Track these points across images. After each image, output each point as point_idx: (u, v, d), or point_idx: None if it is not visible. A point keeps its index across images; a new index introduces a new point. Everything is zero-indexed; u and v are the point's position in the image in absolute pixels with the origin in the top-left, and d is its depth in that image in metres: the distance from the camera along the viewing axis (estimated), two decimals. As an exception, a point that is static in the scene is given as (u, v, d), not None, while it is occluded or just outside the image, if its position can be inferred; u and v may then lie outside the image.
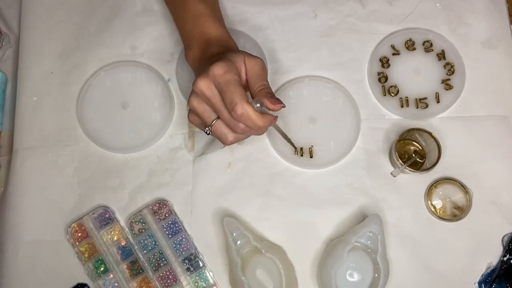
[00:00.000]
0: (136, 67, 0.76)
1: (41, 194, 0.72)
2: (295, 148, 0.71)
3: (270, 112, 0.58)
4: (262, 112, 0.56)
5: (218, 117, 0.59)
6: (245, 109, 0.55)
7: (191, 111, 0.61)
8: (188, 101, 0.59)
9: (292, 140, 0.68)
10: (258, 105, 0.56)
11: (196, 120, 0.61)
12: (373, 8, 0.77)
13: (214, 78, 0.56)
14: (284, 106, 0.58)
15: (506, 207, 0.69)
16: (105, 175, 0.73)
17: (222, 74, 0.56)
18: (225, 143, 0.60)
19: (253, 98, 0.58)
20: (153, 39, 0.77)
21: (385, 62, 0.75)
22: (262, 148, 0.73)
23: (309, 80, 0.74)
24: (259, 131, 0.59)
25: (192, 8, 0.66)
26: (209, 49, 0.64)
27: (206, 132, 0.60)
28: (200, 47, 0.65)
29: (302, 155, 0.72)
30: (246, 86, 0.60)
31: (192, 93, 0.59)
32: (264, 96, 0.57)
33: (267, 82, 0.59)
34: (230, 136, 0.59)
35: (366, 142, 0.72)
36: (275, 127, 0.64)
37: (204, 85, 0.57)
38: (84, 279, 0.70)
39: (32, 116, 0.75)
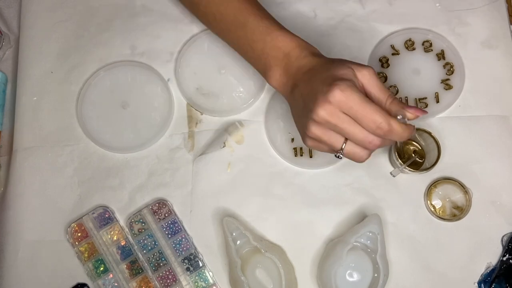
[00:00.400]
0: (136, 67, 0.76)
1: (41, 194, 0.72)
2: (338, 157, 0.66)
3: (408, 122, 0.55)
4: (403, 123, 0.54)
5: (346, 139, 0.55)
6: (392, 125, 0.52)
7: (311, 139, 0.56)
8: (308, 130, 0.55)
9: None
10: (400, 117, 0.53)
11: (321, 147, 0.57)
12: (373, 8, 0.77)
13: (339, 104, 0.51)
14: (426, 112, 0.56)
15: (505, 207, 0.69)
16: (105, 175, 0.73)
17: (348, 96, 0.51)
18: (360, 161, 0.56)
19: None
20: (153, 39, 0.77)
21: (384, 62, 0.75)
22: (262, 148, 0.73)
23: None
24: (399, 140, 0.57)
25: (256, 27, 0.61)
26: (294, 63, 0.59)
27: (338, 157, 0.56)
28: (281, 64, 0.60)
29: (302, 155, 0.72)
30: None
31: (312, 122, 0.54)
32: (400, 107, 0.54)
33: (387, 89, 0.55)
34: (365, 154, 0.55)
35: (365, 142, 0.72)
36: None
37: (327, 114, 0.52)
38: (84, 279, 0.70)
39: (32, 116, 0.75)
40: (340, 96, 0.51)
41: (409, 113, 0.54)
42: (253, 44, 0.62)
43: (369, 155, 0.56)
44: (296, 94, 0.58)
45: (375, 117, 0.51)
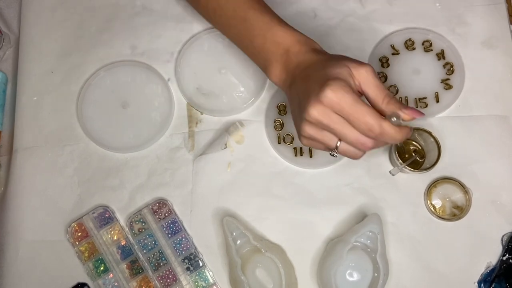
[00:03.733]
0: (136, 67, 0.76)
1: (41, 194, 0.72)
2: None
3: (405, 123, 0.54)
4: (398, 125, 0.53)
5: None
6: (383, 127, 0.51)
7: (306, 138, 0.56)
8: (301, 129, 0.55)
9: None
10: (395, 119, 0.52)
11: (316, 145, 0.57)
12: (372, 8, 0.77)
13: (331, 104, 0.51)
14: (423, 114, 0.54)
15: (505, 207, 0.69)
16: (105, 175, 0.73)
17: (341, 97, 0.50)
18: (355, 159, 0.56)
19: (379, 112, 0.53)
20: (153, 39, 0.77)
21: (384, 62, 0.75)
22: (262, 148, 0.73)
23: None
24: (393, 143, 0.56)
25: (256, 21, 0.61)
26: (294, 59, 0.58)
27: (333, 155, 0.56)
28: (280, 60, 0.59)
29: (302, 155, 0.72)
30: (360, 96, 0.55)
31: (305, 121, 0.53)
32: (397, 108, 0.53)
33: (386, 88, 0.54)
34: (359, 153, 0.55)
35: (365, 142, 0.72)
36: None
37: (319, 113, 0.51)
38: (84, 279, 0.70)
39: (32, 116, 0.75)
40: (332, 96, 0.50)
41: (404, 114, 0.52)
42: (254, 39, 0.61)
43: (364, 153, 0.55)
44: (293, 91, 0.57)
45: (366, 119, 0.51)
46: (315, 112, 0.51)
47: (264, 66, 0.62)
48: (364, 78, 0.53)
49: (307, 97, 0.53)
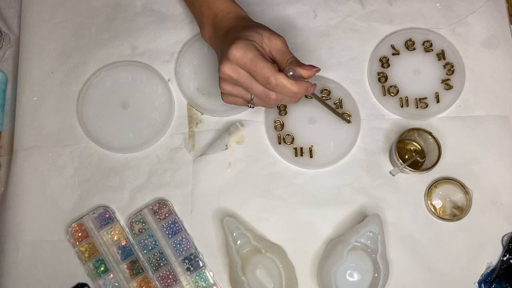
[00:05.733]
0: (136, 67, 0.76)
1: (41, 194, 0.72)
2: (348, 121, 0.72)
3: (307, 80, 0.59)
4: (296, 80, 0.57)
5: None
6: (279, 79, 0.56)
7: (225, 95, 0.62)
8: (220, 87, 0.61)
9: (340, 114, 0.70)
10: (291, 73, 0.57)
11: (235, 100, 0.62)
12: (373, 8, 0.77)
13: (236, 60, 0.57)
14: (319, 70, 0.59)
15: (506, 207, 0.69)
16: (105, 175, 0.73)
17: (243, 54, 0.56)
18: (270, 108, 0.63)
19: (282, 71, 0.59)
20: (153, 39, 0.77)
21: (385, 62, 0.75)
22: (262, 148, 0.73)
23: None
24: (295, 97, 0.59)
25: None
26: (221, 23, 0.64)
27: (250, 107, 0.62)
28: (211, 23, 0.66)
29: (302, 155, 0.72)
30: (271, 62, 0.60)
31: (220, 79, 0.60)
32: (296, 65, 0.58)
33: (293, 55, 0.59)
34: (270, 105, 0.61)
35: (366, 142, 0.72)
36: (317, 98, 0.65)
37: (228, 69, 0.58)
38: (84, 279, 0.70)
39: (32, 116, 0.75)
40: (236, 53, 0.56)
41: (300, 69, 0.57)
42: (195, 2, 0.68)
43: (274, 102, 0.60)
44: (218, 52, 0.64)
45: (263, 72, 0.56)
46: (225, 68, 0.58)
47: (200, 26, 0.69)
48: (274, 45, 0.59)
49: (221, 57, 0.59)
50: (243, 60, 0.57)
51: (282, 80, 0.56)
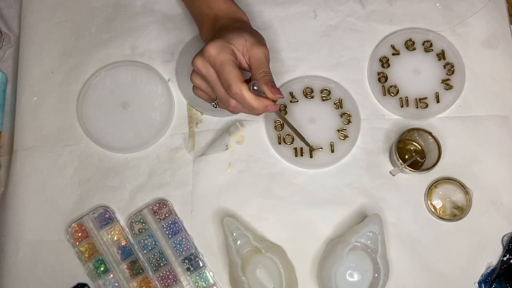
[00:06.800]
0: (136, 67, 0.76)
1: (41, 194, 0.72)
2: (310, 146, 0.71)
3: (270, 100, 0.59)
4: (258, 95, 0.58)
5: None
6: (239, 89, 0.57)
7: (195, 87, 0.63)
8: (190, 78, 0.62)
9: (305, 139, 0.69)
10: (255, 88, 0.57)
11: (202, 95, 0.63)
12: (373, 8, 0.77)
13: (209, 57, 0.58)
14: (282, 97, 0.59)
15: (506, 207, 0.69)
16: (105, 175, 0.73)
17: (216, 54, 0.57)
18: (232, 112, 0.62)
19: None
20: (153, 39, 0.77)
21: (385, 62, 0.75)
22: (262, 148, 0.73)
23: (309, 80, 0.74)
24: (253, 111, 0.60)
25: None
26: (218, 23, 0.65)
27: (213, 106, 0.63)
28: (210, 22, 0.66)
29: (302, 155, 0.72)
30: (248, 69, 0.61)
31: (192, 71, 0.61)
32: (265, 83, 0.58)
33: (269, 70, 0.60)
34: (232, 111, 0.61)
35: (366, 142, 0.72)
36: (282, 118, 0.65)
37: (200, 64, 0.59)
38: (84, 279, 0.70)
39: (32, 116, 0.75)
40: (210, 50, 0.57)
41: (266, 89, 0.57)
42: (194, 2, 0.68)
43: (235, 112, 0.61)
44: None
45: (228, 77, 0.57)
46: (197, 62, 0.58)
47: (199, 25, 0.69)
48: (255, 53, 0.59)
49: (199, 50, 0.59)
50: (214, 60, 0.57)
51: (242, 91, 0.57)
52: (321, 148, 0.72)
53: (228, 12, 0.65)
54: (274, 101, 0.59)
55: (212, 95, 0.62)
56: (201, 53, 0.58)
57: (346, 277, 0.64)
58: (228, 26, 0.63)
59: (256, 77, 0.59)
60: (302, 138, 0.69)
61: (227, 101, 0.59)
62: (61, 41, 0.78)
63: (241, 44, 0.59)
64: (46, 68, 0.77)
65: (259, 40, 0.61)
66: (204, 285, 0.69)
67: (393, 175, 0.69)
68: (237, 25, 0.64)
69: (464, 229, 0.69)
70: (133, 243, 0.70)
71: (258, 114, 0.61)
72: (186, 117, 0.75)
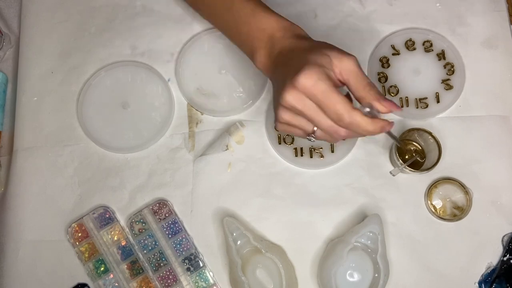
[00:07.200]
0: (136, 67, 0.76)
1: (41, 194, 0.72)
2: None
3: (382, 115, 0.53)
4: (373, 116, 0.52)
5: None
6: (353, 118, 0.51)
7: (281, 123, 0.56)
8: (277, 115, 0.55)
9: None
10: (368, 109, 0.52)
11: (293, 131, 0.57)
12: (373, 8, 0.77)
13: (305, 90, 0.51)
14: (400, 109, 0.53)
15: (506, 207, 0.69)
16: (105, 175, 0.73)
17: (313, 84, 0.50)
18: (334, 142, 0.58)
19: (358, 101, 0.54)
20: (153, 39, 0.77)
21: (385, 62, 0.75)
22: (263, 149, 0.73)
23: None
24: (368, 135, 0.54)
25: (241, 9, 0.61)
26: (278, 45, 0.58)
27: (311, 140, 0.57)
28: (266, 47, 0.59)
29: (302, 155, 0.72)
30: (340, 85, 0.55)
31: (280, 106, 0.54)
32: (374, 99, 0.52)
33: (369, 79, 0.54)
34: (336, 139, 0.56)
35: (366, 142, 0.72)
36: (391, 136, 0.58)
37: (293, 99, 0.52)
38: (84, 279, 0.70)
39: (32, 116, 0.75)
40: (305, 82, 0.50)
41: (380, 105, 0.52)
42: (239, 27, 0.61)
43: (342, 139, 0.56)
44: (274, 77, 0.58)
45: (336, 108, 0.51)
46: (290, 97, 0.52)
47: (250, 53, 0.62)
48: (345, 67, 0.53)
49: (284, 83, 0.53)
50: (312, 91, 0.50)
51: (357, 118, 0.51)
52: (321, 148, 0.72)
53: (285, 29, 0.58)
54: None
55: (307, 129, 0.55)
56: (291, 86, 0.51)
57: (346, 277, 0.64)
58: (297, 47, 0.56)
59: (360, 94, 0.53)
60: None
61: (336, 132, 0.53)
62: (61, 41, 0.78)
63: (328, 63, 0.52)
64: (46, 68, 0.77)
65: (340, 50, 0.54)
66: (204, 285, 0.69)
67: (393, 175, 0.69)
68: (305, 43, 0.57)
69: (464, 229, 0.69)
70: (133, 243, 0.70)
71: (373, 134, 0.54)
72: (186, 117, 0.75)
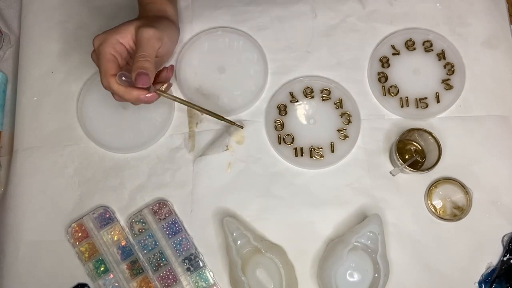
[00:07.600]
0: (136, 67, 0.76)
1: (41, 194, 0.72)
2: (240, 126, 0.72)
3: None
4: (130, 86, 0.60)
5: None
6: (107, 83, 0.60)
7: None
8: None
9: (222, 116, 0.69)
10: (124, 78, 0.59)
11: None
12: (373, 8, 0.77)
13: (95, 47, 0.62)
14: (146, 86, 0.60)
15: (506, 207, 0.69)
16: (105, 175, 0.73)
17: (98, 46, 0.62)
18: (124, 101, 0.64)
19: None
20: (153, 39, 0.78)
21: (385, 62, 0.75)
22: (262, 149, 0.73)
23: (309, 80, 0.74)
24: (132, 102, 0.62)
25: None
26: (141, 11, 0.70)
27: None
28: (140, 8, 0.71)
29: (302, 155, 0.72)
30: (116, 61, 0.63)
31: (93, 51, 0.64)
32: (134, 69, 0.59)
33: (149, 53, 0.61)
34: (117, 99, 0.64)
35: (366, 142, 0.72)
36: (174, 99, 0.65)
37: (92, 54, 0.64)
38: (84, 279, 0.70)
39: (32, 116, 0.75)
40: (95, 41, 0.62)
41: (134, 76, 0.59)
42: None
43: (122, 101, 0.63)
44: None
45: (100, 71, 0.61)
46: (92, 52, 0.63)
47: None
48: (139, 36, 0.61)
49: None
50: (97, 52, 0.62)
51: (110, 85, 0.60)
52: (321, 148, 0.72)
53: (151, 1, 0.68)
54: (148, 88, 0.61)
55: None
56: (95, 38, 0.62)
57: (346, 277, 0.64)
58: (140, 15, 0.68)
59: (134, 61, 0.60)
60: (224, 119, 0.69)
61: (106, 88, 0.62)
62: (61, 41, 0.78)
63: (129, 32, 0.62)
64: (46, 68, 0.77)
65: (150, 24, 0.62)
66: (204, 285, 0.69)
67: (393, 175, 0.69)
68: (142, 13, 0.68)
69: (464, 229, 0.68)
70: (133, 243, 0.70)
71: (141, 103, 0.62)
72: (186, 117, 0.75)
